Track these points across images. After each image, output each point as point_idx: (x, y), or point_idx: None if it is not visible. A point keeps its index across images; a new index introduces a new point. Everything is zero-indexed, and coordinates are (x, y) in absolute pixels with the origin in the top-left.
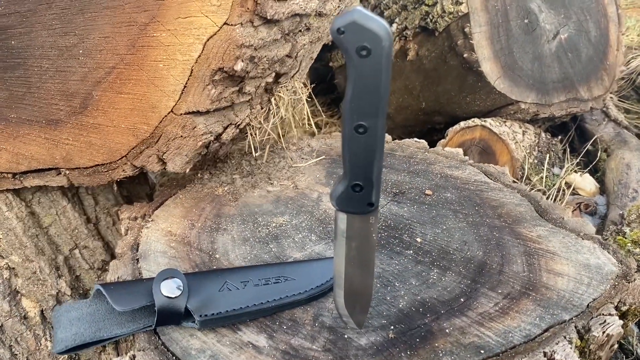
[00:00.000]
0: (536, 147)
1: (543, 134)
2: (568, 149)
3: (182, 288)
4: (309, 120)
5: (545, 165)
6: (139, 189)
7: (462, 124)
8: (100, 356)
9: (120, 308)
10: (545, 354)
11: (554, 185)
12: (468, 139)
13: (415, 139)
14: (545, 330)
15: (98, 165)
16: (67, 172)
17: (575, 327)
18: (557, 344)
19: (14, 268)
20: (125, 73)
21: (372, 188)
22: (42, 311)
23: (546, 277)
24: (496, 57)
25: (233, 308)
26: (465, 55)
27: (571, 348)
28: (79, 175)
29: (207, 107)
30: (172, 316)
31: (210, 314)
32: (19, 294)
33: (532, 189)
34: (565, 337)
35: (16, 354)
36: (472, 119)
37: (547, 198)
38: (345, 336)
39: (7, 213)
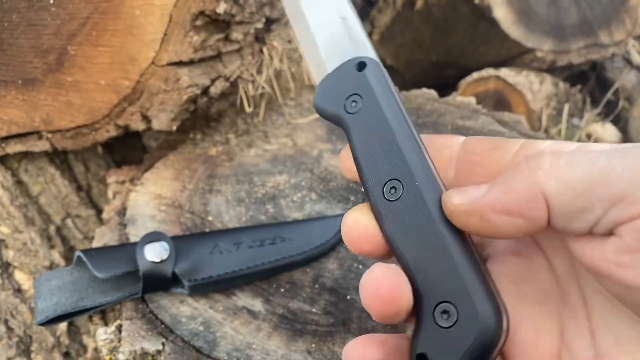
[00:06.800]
0: (554, 97)
1: (561, 84)
2: (588, 99)
3: (168, 252)
4: (308, 73)
5: (564, 116)
6: (133, 154)
7: (475, 75)
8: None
9: (102, 274)
10: None
11: (573, 137)
12: (481, 91)
13: (424, 89)
14: None
15: (80, 126)
16: (49, 135)
17: None
18: None
19: (4, 240)
20: (101, 23)
21: None
22: None
23: None
24: (509, 1)
25: (225, 271)
26: (476, 1)
27: None
28: (61, 138)
29: (190, 56)
30: (159, 282)
31: (201, 278)
32: (11, 266)
33: None
34: None
35: (12, 328)
36: (486, 69)
37: None
38: (348, 297)
39: None
